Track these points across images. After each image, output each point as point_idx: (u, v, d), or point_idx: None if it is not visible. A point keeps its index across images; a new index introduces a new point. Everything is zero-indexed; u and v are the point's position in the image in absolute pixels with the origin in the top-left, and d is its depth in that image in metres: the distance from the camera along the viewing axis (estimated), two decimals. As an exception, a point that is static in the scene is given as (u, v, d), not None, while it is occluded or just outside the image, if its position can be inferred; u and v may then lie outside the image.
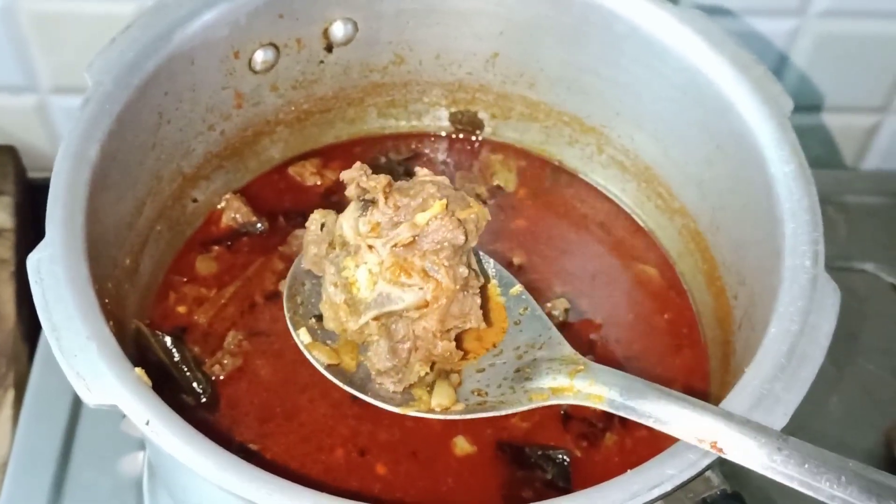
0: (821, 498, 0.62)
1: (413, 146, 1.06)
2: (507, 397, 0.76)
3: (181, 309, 0.90)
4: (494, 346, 0.80)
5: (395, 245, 0.73)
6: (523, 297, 0.82)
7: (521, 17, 0.95)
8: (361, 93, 1.02)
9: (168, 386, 0.81)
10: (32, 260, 0.71)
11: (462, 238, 0.73)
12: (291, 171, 1.01)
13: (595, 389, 0.72)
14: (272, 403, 0.83)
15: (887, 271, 1.15)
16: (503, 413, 0.75)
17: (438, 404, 0.75)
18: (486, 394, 0.77)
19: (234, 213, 0.96)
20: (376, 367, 0.76)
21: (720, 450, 0.65)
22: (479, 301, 0.75)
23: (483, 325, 0.76)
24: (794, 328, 0.71)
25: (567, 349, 0.77)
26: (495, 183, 1.02)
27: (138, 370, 0.68)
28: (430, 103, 1.05)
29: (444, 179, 0.76)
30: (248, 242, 0.95)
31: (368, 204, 0.74)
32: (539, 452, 0.81)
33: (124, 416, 0.97)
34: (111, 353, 0.67)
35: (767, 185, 0.80)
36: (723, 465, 0.66)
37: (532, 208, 1.00)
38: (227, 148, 0.96)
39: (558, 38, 0.95)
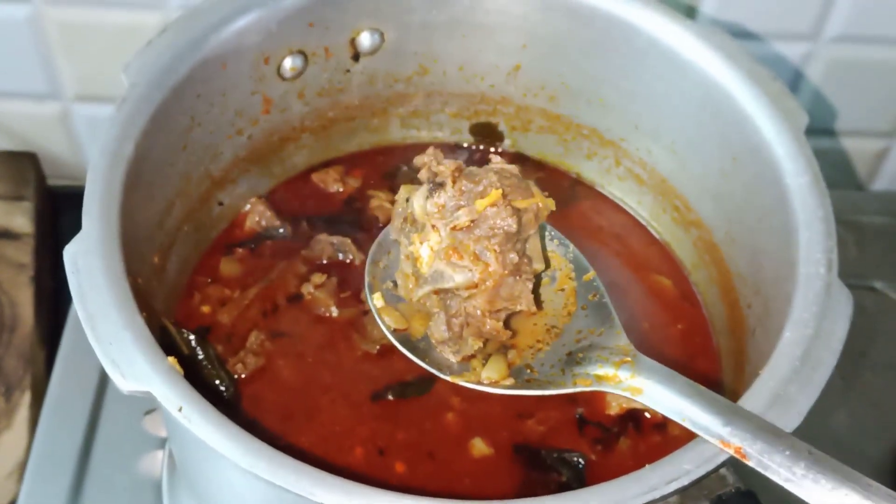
0: None
1: (434, 156, 1.07)
2: (554, 378, 0.78)
3: (205, 309, 0.91)
4: (558, 328, 0.82)
5: (453, 227, 0.76)
6: (594, 283, 0.84)
7: (544, 32, 0.97)
8: (385, 102, 1.04)
9: (191, 383, 0.83)
10: (69, 252, 0.73)
11: (514, 226, 0.75)
12: (315, 177, 1.03)
13: (635, 382, 0.74)
14: (293, 403, 0.84)
15: (895, 289, 1.16)
16: (547, 393, 0.77)
17: (487, 377, 0.78)
18: (538, 373, 0.79)
19: (259, 217, 0.98)
20: (435, 337, 0.80)
21: (744, 456, 0.66)
22: (530, 286, 0.78)
23: (534, 308, 0.79)
24: (808, 332, 0.72)
25: (622, 340, 0.79)
26: (513, 194, 1.03)
27: (171, 359, 0.69)
28: (452, 114, 1.06)
29: (513, 168, 0.79)
30: (271, 246, 0.96)
31: (437, 186, 0.77)
32: (555, 455, 0.82)
33: (147, 412, 1.00)
34: (145, 342, 0.69)
35: (782, 197, 0.82)
36: (737, 464, 0.68)
37: (549, 219, 1.01)
38: (253, 153, 0.98)
39: (580, 53, 0.97)
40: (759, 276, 0.85)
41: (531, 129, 1.05)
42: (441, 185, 0.77)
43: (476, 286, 0.76)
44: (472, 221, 0.75)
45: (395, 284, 0.84)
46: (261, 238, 0.97)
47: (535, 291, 0.82)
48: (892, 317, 1.14)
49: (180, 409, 0.66)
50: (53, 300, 1.19)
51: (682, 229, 0.98)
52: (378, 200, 1.00)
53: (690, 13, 1.13)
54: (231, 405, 0.84)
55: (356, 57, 0.98)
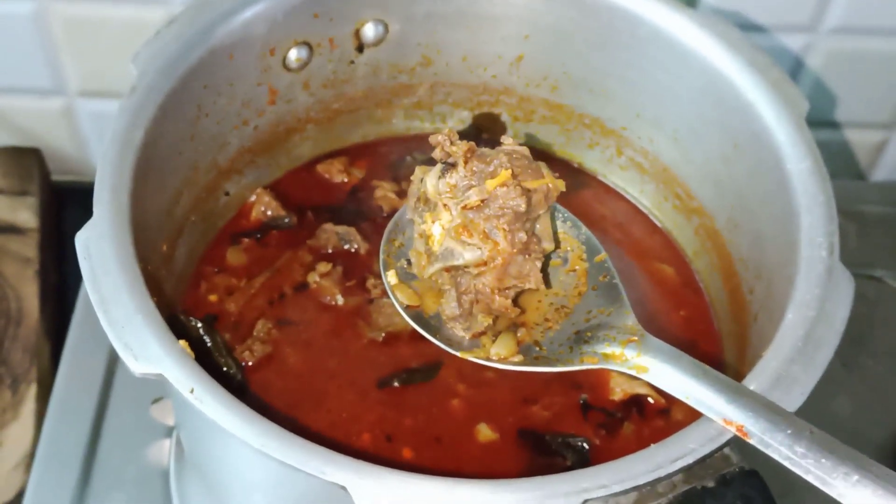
0: (833, 495, 0.63)
1: (437, 147, 1.08)
2: (562, 356, 0.79)
3: (212, 297, 0.92)
4: (568, 307, 0.83)
5: (464, 206, 0.77)
6: (606, 264, 0.84)
7: (547, 22, 0.97)
8: (389, 94, 1.04)
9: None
10: (81, 238, 0.73)
11: (523, 206, 0.76)
12: (320, 168, 1.03)
13: (641, 360, 0.75)
14: (300, 390, 0.85)
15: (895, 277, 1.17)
16: (555, 370, 0.78)
17: (497, 353, 0.79)
18: (546, 350, 0.80)
19: (264, 207, 0.98)
20: (446, 314, 0.81)
21: (745, 434, 0.66)
22: (539, 265, 0.79)
23: (542, 286, 0.79)
24: (810, 314, 0.73)
25: (630, 320, 0.79)
26: (516, 183, 1.03)
27: (182, 342, 0.70)
28: (455, 105, 1.07)
29: (523, 150, 0.80)
30: (276, 236, 0.97)
31: (450, 167, 0.78)
32: (559, 440, 0.83)
33: (154, 401, 1.01)
34: (156, 325, 0.70)
35: (784, 182, 0.82)
36: (741, 444, 0.68)
37: (555, 206, 1.02)
38: (259, 143, 0.98)
39: (583, 42, 0.97)
40: (761, 262, 0.86)
41: (534, 119, 1.06)
42: (453, 166, 0.78)
43: (485, 264, 0.77)
44: (483, 201, 0.76)
45: (410, 263, 0.84)
46: (267, 228, 0.98)
47: (545, 271, 0.83)
48: (892, 304, 1.15)
49: (192, 391, 0.66)
50: (58, 294, 1.19)
51: (684, 217, 0.99)
52: (382, 191, 1.00)
53: (691, 2, 1.14)
54: (239, 392, 0.83)
55: (360, 48, 0.99)
